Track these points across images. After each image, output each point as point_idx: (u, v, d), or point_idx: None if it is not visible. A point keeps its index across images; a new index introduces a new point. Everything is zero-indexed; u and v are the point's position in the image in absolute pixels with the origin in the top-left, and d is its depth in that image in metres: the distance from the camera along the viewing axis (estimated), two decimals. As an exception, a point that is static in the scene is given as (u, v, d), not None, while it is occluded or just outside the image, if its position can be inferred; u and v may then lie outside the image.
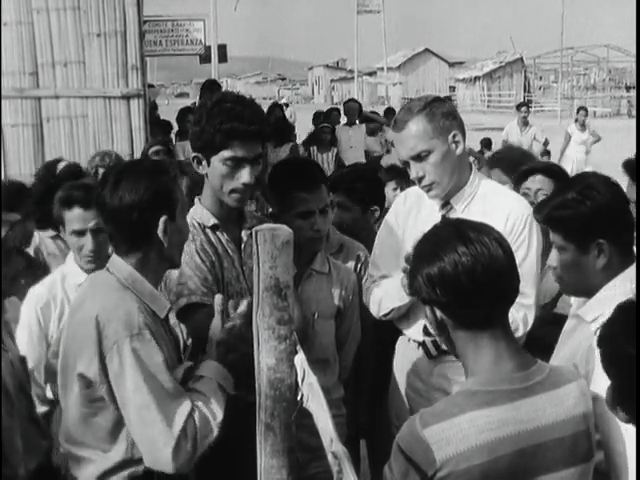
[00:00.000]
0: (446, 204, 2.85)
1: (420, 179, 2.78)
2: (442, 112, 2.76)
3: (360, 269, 3.31)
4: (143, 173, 2.23)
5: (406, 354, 2.95)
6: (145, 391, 2.08)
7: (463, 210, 2.80)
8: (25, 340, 3.02)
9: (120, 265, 2.25)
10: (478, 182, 2.86)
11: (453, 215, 2.78)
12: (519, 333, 2.72)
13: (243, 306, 2.29)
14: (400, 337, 3.00)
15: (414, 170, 2.77)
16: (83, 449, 2.21)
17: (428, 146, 2.73)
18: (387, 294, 2.89)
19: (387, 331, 3.09)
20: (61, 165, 4.16)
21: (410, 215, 2.95)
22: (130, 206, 2.18)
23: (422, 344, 2.85)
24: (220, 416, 2.18)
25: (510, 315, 2.47)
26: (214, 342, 2.27)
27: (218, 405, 2.19)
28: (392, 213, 3.05)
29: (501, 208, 2.77)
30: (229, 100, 2.64)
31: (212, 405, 2.17)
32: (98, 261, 3.02)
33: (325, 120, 11.02)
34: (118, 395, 2.12)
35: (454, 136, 2.76)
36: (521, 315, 2.72)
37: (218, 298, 2.30)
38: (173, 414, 2.09)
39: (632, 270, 2.14)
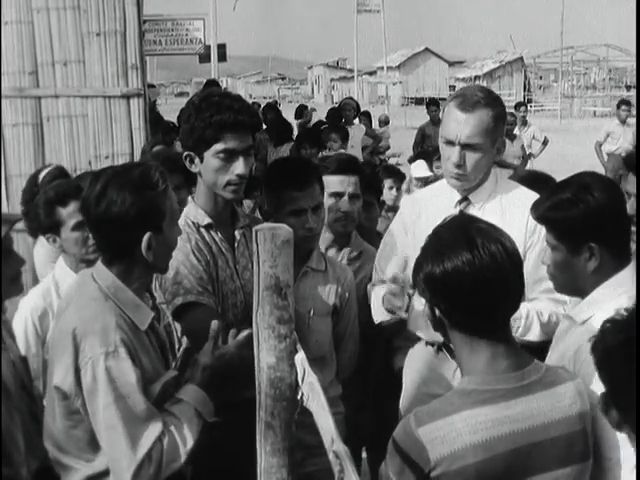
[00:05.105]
0: (464, 199, 2.84)
1: (458, 165, 2.74)
2: (501, 114, 2.77)
3: None
4: (129, 186, 2.14)
5: (423, 358, 2.89)
6: (114, 411, 2.06)
7: (481, 207, 2.80)
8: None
9: (103, 273, 2.21)
10: (496, 181, 2.86)
11: (470, 211, 2.76)
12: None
13: (242, 336, 2.26)
14: (415, 344, 2.93)
15: (455, 155, 2.73)
16: (68, 457, 2.20)
17: (482, 141, 2.72)
18: (374, 306, 2.90)
19: (388, 333, 3.08)
20: (45, 172, 3.86)
21: (420, 219, 2.89)
22: (113, 220, 2.12)
23: (442, 346, 2.78)
24: (191, 443, 2.15)
25: (549, 310, 2.47)
26: (200, 366, 2.25)
27: (190, 432, 2.15)
28: (399, 218, 3.04)
29: (520, 205, 2.73)
30: (215, 94, 2.65)
31: (184, 431, 2.14)
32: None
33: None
34: (90, 410, 2.11)
35: (501, 143, 2.80)
36: (561, 310, 2.64)
37: (214, 324, 2.27)
38: (139, 437, 2.07)
39: (625, 274, 2.12)
